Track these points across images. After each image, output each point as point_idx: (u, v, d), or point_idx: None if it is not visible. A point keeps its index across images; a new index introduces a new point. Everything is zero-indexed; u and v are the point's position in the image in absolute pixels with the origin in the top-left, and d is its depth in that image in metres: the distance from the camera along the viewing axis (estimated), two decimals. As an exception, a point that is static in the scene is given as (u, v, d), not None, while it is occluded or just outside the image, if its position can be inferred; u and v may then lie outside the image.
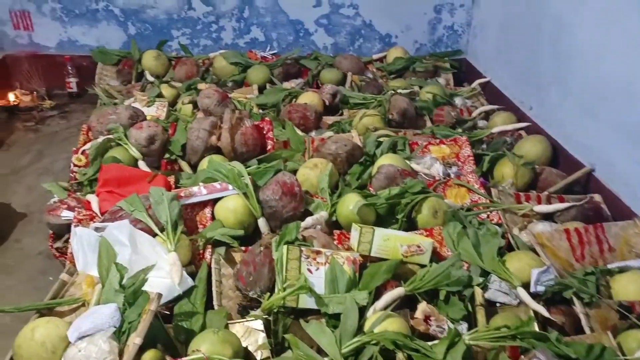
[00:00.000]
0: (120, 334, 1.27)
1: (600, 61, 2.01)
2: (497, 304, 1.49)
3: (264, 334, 1.35)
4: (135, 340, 1.23)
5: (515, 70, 2.71)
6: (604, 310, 1.42)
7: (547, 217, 1.87)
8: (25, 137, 2.71)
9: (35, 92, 3.01)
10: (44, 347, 1.22)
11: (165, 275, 1.45)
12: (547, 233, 1.67)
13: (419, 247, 1.57)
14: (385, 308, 1.40)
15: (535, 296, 1.49)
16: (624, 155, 1.88)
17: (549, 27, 2.36)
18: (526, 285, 1.50)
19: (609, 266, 1.57)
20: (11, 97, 2.94)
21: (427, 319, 1.37)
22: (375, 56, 3.27)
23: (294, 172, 1.97)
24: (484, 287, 1.50)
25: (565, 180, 2.04)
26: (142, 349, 1.23)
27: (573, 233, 1.66)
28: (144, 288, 1.34)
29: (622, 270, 1.54)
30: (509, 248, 1.72)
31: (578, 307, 1.42)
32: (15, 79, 3.04)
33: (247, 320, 1.40)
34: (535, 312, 1.42)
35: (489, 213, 1.85)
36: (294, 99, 2.65)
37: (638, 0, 1.79)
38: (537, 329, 1.36)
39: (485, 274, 1.54)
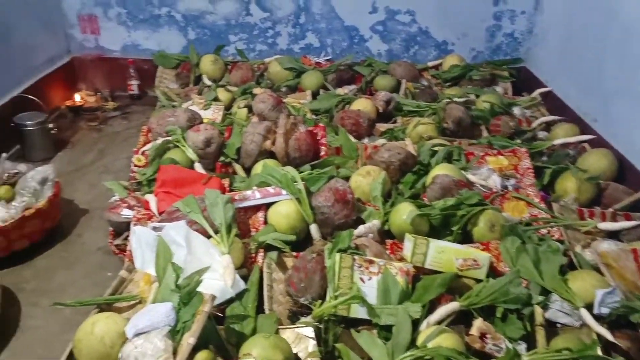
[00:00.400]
0: (174, 333, 1.28)
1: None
2: (558, 325, 1.42)
3: (314, 342, 1.35)
4: (189, 340, 1.24)
5: (579, 79, 2.60)
6: (675, 338, 1.33)
7: (612, 235, 1.78)
8: (89, 137, 2.82)
9: (99, 94, 3.14)
10: (102, 342, 1.25)
11: (218, 277, 1.47)
12: (612, 252, 1.59)
13: (475, 261, 1.52)
14: (439, 322, 1.36)
15: (598, 318, 1.41)
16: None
17: (617, 36, 2.26)
18: (589, 307, 1.43)
19: (681, 291, 1.48)
20: (77, 97, 3.07)
21: (483, 336, 1.33)
22: (430, 63, 3.21)
23: (347, 179, 1.95)
24: (544, 307, 1.43)
25: (632, 197, 1.93)
26: (194, 349, 1.25)
27: (641, 253, 1.57)
28: (198, 289, 1.37)
29: (695, 295, 1.45)
30: (571, 266, 1.64)
31: (646, 333, 1.34)
32: (81, 80, 3.18)
33: (297, 327, 1.40)
34: (599, 336, 1.35)
35: (549, 229, 1.78)
36: (347, 105, 2.64)
37: None
38: (600, 353, 1.30)
39: (545, 292, 1.48)
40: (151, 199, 1.78)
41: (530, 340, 1.36)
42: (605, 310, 1.40)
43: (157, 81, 3.06)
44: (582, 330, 1.39)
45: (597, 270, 1.56)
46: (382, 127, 2.53)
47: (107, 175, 2.41)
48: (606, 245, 1.66)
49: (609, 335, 1.33)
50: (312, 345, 1.35)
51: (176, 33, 3.18)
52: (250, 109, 2.52)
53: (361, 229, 1.66)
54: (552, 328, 1.42)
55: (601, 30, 2.38)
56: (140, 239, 1.54)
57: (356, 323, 1.41)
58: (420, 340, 1.29)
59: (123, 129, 2.92)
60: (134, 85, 3.18)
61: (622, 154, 2.17)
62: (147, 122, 2.29)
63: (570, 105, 2.64)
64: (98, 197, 2.23)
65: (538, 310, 1.40)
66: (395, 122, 2.63)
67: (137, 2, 3.09)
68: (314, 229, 1.73)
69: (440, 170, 1.93)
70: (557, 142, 2.32)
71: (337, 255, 1.43)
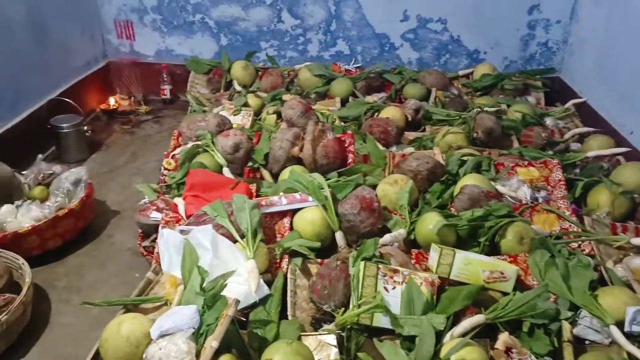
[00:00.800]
0: (198, 336, 1.30)
1: None
2: (587, 342, 1.39)
3: (336, 350, 1.34)
4: (212, 343, 1.25)
5: (615, 91, 2.54)
6: None
7: (646, 251, 1.73)
8: (122, 139, 2.89)
9: (133, 97, 3.22)
10: (128, 341, 1.28)
11: (243, 281, 1.48)
12: (646, 269, 1.54)
13: (502, 273, 1.49)
14: (463, 335, 1.34)
15: (629, 336, 1.37)
16: None
17: (656, 47, 2.20)
18: (620, 324, 1.38)
19: None
20: (111, 101, 3.16)
21: (508, 350, 1.30)
22: (461, 72, 3.19)
23: (374, 187, 1.95)
24: (573, 323, 1.40)
25: (669, 213, 1.87)
26: (217, 353, 1.26)
27: (676, 271, 1.52)
28: (223, 293, 1.38)
29: None
30: (602, 282, 1.60)
31: (679, 354, 1.29)
32: (116, 84, 3.27)
33: (320, 334, 1.40)
34: (630, 354, 1.31)
35: (580, 243, 1.74)
36: (376, 113, 2.64)
37: None
38: (631, 373, 1.26)
39: (574, 308, 1.44)
40: (179, 202, 1.81)
41: (557, 357, 1.33)
42: (636, 329, 1.36)
43: (189, 86, 3.12)
44: (612, 348, 1.35)
45: (629, 286, 1.52)
46: (410, 135, 2.52)
47: (139, 177, 2.46)
48: (639, 262, 1.61)
49: (638, 354, 1.29)
50: (334, 353, 1.34)
51: (209, 39, 3.23)
52: (279, 115, 2.54)
53: (387, 237, 1.66)
54: (580, 345, 1.38)
55: (638, 42, 2.32)
56: (168, 242, 1.56)
57: (379, 332, 1.40)
58: (443, 353, 1.27)
59: (155, 132, 2.98)
60: (166, 89, 3.25)
61: (659, 168, 2.10)
62: (178, 126, 2.33)
63: (605, 117, 2.58)
64: (129, 199, 2.28)
65: (566, 325, 1.37)
66: (424, 130, 2.61)
67: (172, 8, 3.16)
68: (339, 236, 1.73)
69: (469, 181, 1.91)
70: (591, 154, 2.26)
71: (362, 264, 1.43)
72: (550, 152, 2.30)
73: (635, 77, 2.34)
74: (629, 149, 2.27)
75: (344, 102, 2.85)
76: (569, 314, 1.41)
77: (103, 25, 3.23)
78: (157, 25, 3.22)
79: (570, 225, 1.81)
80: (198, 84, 3.16)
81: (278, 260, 1.68)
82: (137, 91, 3.24)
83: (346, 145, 2.15)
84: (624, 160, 2.24)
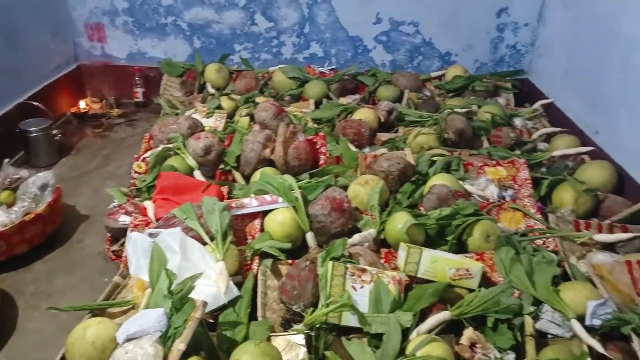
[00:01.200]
0: (165, 339, 1.30)
1: (674, 85, 1.90)
2: (549, 336, 1.42)
3: (304, 349, 1.35)
4: (179, 346, 1.25)
5: (581, 92, 2.60)
6: (667, 351, 1.32)
7: (608, 247, 1.78)
8: (94, 143, 2.86)
9: (104, 101, 3.19)
10: (94, 346, 1.27)
11: (212, 283, 1.48)
12: (607, 264, 1.59)
13: (467, 271, 1.52)
14: (429, 331, 1.36)
15: (590, 330, 1.41)
16: (697, 186, 1.77)
17: (620, 49, 2.26)
18: (581, 318, 1.42)
19: (676, 304, 1.47)
20: (82, 104, 3.12)
21: (472, 345, 1.33)
22: (433, 74, 3.23)
23: (345, 187, 1.97)
24: (535, 317, 1.43)
25: (630, 209, 1.92)
26: (185, 355, 1.26)
27: (635, 265, 1.57)
28: (191, 295, 1.38)
29: (689, 308, 1.44)
30: (565, 278, 1.63)
31: (636, 345, 1.33)
32: (87, 87, 3.24)
33: (289, 334, 1.41)
34: (590, 347, 1.35)
35: (545, 240, 1.78)
36: (350, 115, 2.66)
37: None
38: (591, 365, 1.29)
39: (537, 303, 1.47)
40: (149, 205, 1.80)
41: (520, 351, 1.36)
42: (596, 322, 1.40)
43: (162, 89, 3.11)
44: (573, 342, 1.39)
45: (591, 281, 1.56)
46: (383, 136, 2.55)
47: (111, 182, 2.44)
48: (601, 257, 1.65)
49: (599, 347, 1.32)
50: (302, 352, 1.35)
51: (182, 42, 3.22)
52: (252, 117, 2.54)
53: (356, 237, 1.67)
54: (543, 339, 1.41)
55: (604, 44, 2.38)
56: (136, 245, 1.56)
57: (348, 331, 1.42)
58: (409, 349, 1.29)
59: (128, 135, 2.96)
60: (139, 92, 3.23)
61: (622, 166, 2.17)
62: (150, 130, 2.32)
63: (571, 117, 2.64)
64: (100, 203, 2.25)
65: (528, 320, 1.40)
66: (397, 131, 2.64)
67: (143, 11, 3.14)
68: (310, 237, 1.75)
69: (438, 180, 1.94)
70: (557, 153, 2.32)
71: (330, 264, 1.44)
72: (518, 152, 2.35)
73: (600, 79, 2.40)
74: (593, 148, 2.33)
75: (318, 104, 2.86)
76: (532, 308, 1.44)
77: (74, 28, 3.20)
78: (129, 27, 3.20)
79: (535, 223, 1.86)
80: (171, 87, 3.14)
81: (249, 262, 1.68)
82: (109, 94, 3.21)
83: (318, 147, 2.16)
84: (589, 159, 2.30)
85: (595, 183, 2.06)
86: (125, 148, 2.81)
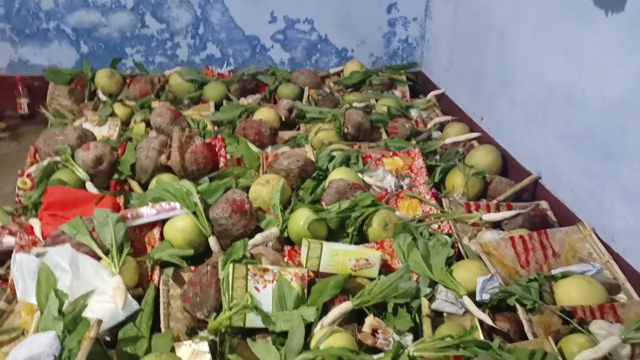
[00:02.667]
0: (59, 363, 1.23)
1: (541, 71, 2.07)
2: (445, 314, 1.50)
3: (209, 356, 1.33)
4: (74, 368, 1.19)
5: (466, 81, 2.77)
6: (547, 315, 1.45)
7: (497, 225, 1.91)
8: (-26, 160, 2.63)
9: (-16, 114, 2.94)
10: (-24, 380, 1.17)
11: (109, 299, 1.42)
12: (493, 242, 1.70)
13: (367, 260, 1.57)
14: (333, 323, 1.39)
15: (481, 304, 1.51)
16: (567, 163, 1.94)
17: (494, 39, 2.43)
18: (473, 294, 1.52)
19: (553, 272, 1.61)
20: (-42, 119, 2.86)
21: (374, 332, 1.37)
22: (332, 70, 3.29)
23: (246, 188, 1.96)
24: (432, 298, 1.51)
25: (513, 189, 2.08)
26: (82, 377, 1.20)
27: (518, 240, 1.70)
28: (86, 314, 1.32)
29: (564, 275, 1.58)
30: (460, 257, 1.73)
31: (521, 314, 1.44)
32: (-37, 101, 2.97)
33: (193, 342, 1.38)
34: (481, 321, 1.44)
35: (440, 224, 1.88)
36: (250, 115, 2.65)
37: (573, 13, 1.85)
38: (481, 337, 1.39)
39: (433, 284, 1.56)
40: (35, 223, 1.69)
41: (418, 331, 1.43)
42: (486, 297, 1.50)
43: (49, 98, 2.90)
44: (466, 317, 1.48)
45: (481, 259, 1.66)
46: (285, 135, 2.56)
47: (-6, 201, 2.25)
48: (488, 235, 1.77)
49: (487, 320, 1.42)
50: (207, 359, 1.33)
51: (67, 47, 3.04)
52: (148, 123, 2.46)
53: (258, 237, 1.67)
54: (440, 317, 1.49)
55: (481, 36, 2.55)
56: (22, 267, 1.45)
57: (254, 332, 1.42)
58: (313, 343, 1.32)
59: (13, 151, 2.75)
60: (23, 103, 2.99)
61: (505, 149, 2.33)
62: (35, 142, 2.17)
63: (460, 106, 2.80)
64: (-17, 226, 2.08)
65: (424, 302, 1.47)
66: (298, 129, 2.67)
67: (22, 16, 2.93)
68: (212, 241, 1.72)
69: (337, 175, 1.98)
70: (448, 141, 2.45)
71: (230, 266, 1.43)
72: (414, 142, 2.46)
73: (480, 69, 2.57)
74: (480, 134, 2.49)
75: (218, 106, 2.82)
76: (429, 290, 1.52)
77: (-57, 37, 2.92)
78: (7, 35, 2.96)
79: (431, 209, 1.95)
80: (59, 96, 2.95)
81: (149, 273, 1.63)
82: (-12, 107, 2.97)
83: (217, 150, 2.13)
84: (477, 144, 2.45)
85: (482, 166, 2.20)
86: (11, 165, 2.60)
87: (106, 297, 1.42)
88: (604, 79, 1.73)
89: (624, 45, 1.63)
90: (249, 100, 2.93)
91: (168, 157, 1.98)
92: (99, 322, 1.26)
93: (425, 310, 1.45)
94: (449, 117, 2.76)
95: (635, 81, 1.59)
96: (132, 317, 1.43)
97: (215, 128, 2.53)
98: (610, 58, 1.69)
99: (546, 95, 2.04)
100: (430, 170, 2.20)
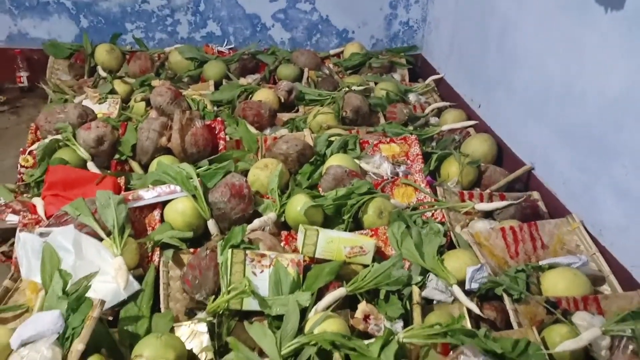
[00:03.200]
0: (64, 340, 1.28)
1: (542, 62, 2.08)
2: (434, 302, 1.56)
3: (207, 336, 1.39)
4: (78, 346, 1.24)
5: (466, 67, 2.78)
6: (532, 306, 1.51)
7: (489, 214, 1.95)
8: (-27, 134, 2.65)
9: (-17, 87, 2.94)
10: (-16, 356, 1.23)
11: (111, 279, 1.47)
12: (484, 232, 1.75)
13: (361, 248, 1.62)
14: (327, 308, 1.45)
15: (470, 293, 1.56)
16: (561, 155, 1.97)
17: (496, 26, 2.43)
18: (462, 283, 1.57)
19: (540, 263, 1.66)
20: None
21: (366, 318, 1.43)
22: (332, 51, 3.29)
23: (245, 172, 1.99)
24: (422, 286, 1.56)
25: (506, 179, 2.12)
26: (86, 354, 1.25)
27: (508, 231, 1.74)
28: (89, 294, 1.36)
29: (552, 266, 1.63)
30: (452, 246, 1.78)
31: (508, 304, 1.50)
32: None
33: (192, 323, 1.43)
34: (469, 309, 1.50)
35: (434, 212, 1.92)
36: (250, 96, 2.66)
37: (574, 9, 1.86)
38: (469, 325, 1.44)
39: (425, 272, 1.61)
40: (38, 202, 1.73)
41: (409, 318, 1.49)
42: (475, 286, 1.55)
43: (48, 72, 2.91)
44: (455, 305, 1.54)
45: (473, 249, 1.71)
46: (284, 116, 2.58)
47: (-5, 176, 2.28)
48: (480, 225, 1.82)
49: (475, 309, 1.48)
50: (205, 339, 1.39)
51: (67, 21, 3.02)
52: (148, 102, 2.47)
53: (256, 223, 1.72)
54: (430, 305, 1.55)
55: (484, 21, 2.54)
56: (26, 246, 1.50)
57: (251, 315, 1.47)
58: (307, 327, 1.37)
59: (13, 124, 2.76)
60: (23, 77, 3.00)
61: (500, 138, 2.36)
62: (36, 119, 2.18)
63: (458, 92, 2.82)
64: (-16, 201, 2.11)
65: (415, 289, 1.53)
66: (297, 111, 2.68)
67: (21, -12, 2.91)
68: (211, 224, 1.76)
69: (334, 161, 2.02)
70: (445, 127, 2.48)
71: (229, 251, 1.48)
72: (411, 128, 2.48)
73: (480, 54, 2.58)
74: (476, 122, 2.52)
75: (217, 85, 2.83)
76: (420, 278, 1.57)
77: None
78: (6, 7, 2.94)
79: (425, 196, 1.99)
80: (59, 70, 2.95)
81: (149, 254, 1.67)
82: (-12, 80, 2.96)
83: (217, 132, 2.16)
84: (474, 132, 2.48)
85: (477, 155, 2.23)
86: (10, 139, 2.62)
87: (108, 277, 1.47)
88: (603, 76, 1.74)
89: (624, 43, 1.65)
90: (249, 80, 2.93)
91: (168, 139, 2.00)
92: (102, 302, 1.31)
93: (415, 298, 1.50)
94: (446, 103, 2.78)
95: (632, 79, 1.62)
96: (133, 297, 1.49)
97: (215, 108, 2.55)
98: (610, 55, 1.71)
99: (545, 87, 2.06)
100: (427, 157, 2.23)
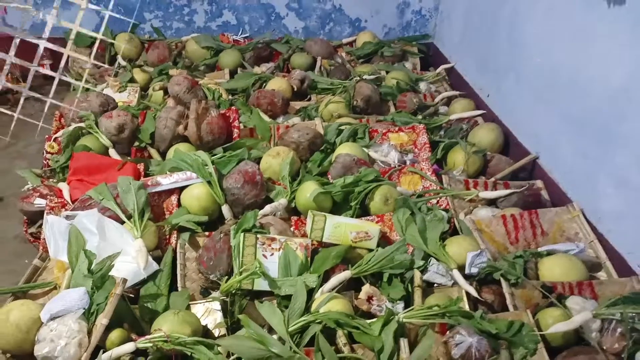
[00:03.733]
0: (89, 315, 1.40)
1: (550, 52, 2.12)
2: (435, 285, 1.64)
3: (221, 314, 1.49)
4: (102, 320, 1.36)
5: (476, 56, 2.81)
6: (528, 290, 1.58)
7: (492, 202, 2.02)
8: (0, 120, 2.76)
9: (9, 75, 3.05)
10: (18, 328, 1.34)
11: (132, 260, 1.57)
12: (486, 219, 1.82)
13: (367, 233, 1.70)
14: (332, 290, 1.54)
15: (469, 277, 1.64)
16: (566, 145, 2.02)
17: (507, 15, 2.46)
18: (463, 268, 1.65)
19: (539, 249, 1.73)
20: (-16, 79, 2.98)
21: (369, 299, 1.52)
22: (345, 40, 3.34)
23: (258, 159, 2.08)
24: (424, 270, 1.64)
25: (511, 167, 2.17)
26: (109, 329, 1.37)
27: (509, 219, 1.81)
28: (112, 273, 1.47)
29: (550, 253, 1.70)
30: (456, 232, 1.86)
31: (505, 288, 1.57)
32: (-11, 61, 3.08)
33: (206, 301, 1.54)
34: (467, 292, 1.58)
35: (438, 199, 1.99)
36: (264, 84, 2.73)
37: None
38: (466, 307, 1.52)
39: (427, 257, 1.69)
40: (64, 187, 1.83)
41: (410, 300, 1.57)
42: (474, 270, 1.63)
43: (70, 61, 3.02)
44: (454, 289, 1.62)
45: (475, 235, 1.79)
46: (297, 105, 2.65)
47: (21, 161, 2.41)
48: (483, 212, 1.89)
49: (473, 292, 1.56)
50: (219, 317, 1.49)
51: (88, 10, 3.10)
52: (166, 91, 2.56)
53: (267, 208, 1.80)
54: (430, 288, 1.63)
55: (494, 10, 2.57)
56: (53, 228, 1.61)
57: (262, 295, 1.57)
58: (314, 307, 1.46)
59: (37, 111, 2.87)
60: (46, 64, 3.11)
61: (507, 127, 2.41)
62: (60, 108, 2.29)
63: (468, 81, 2.86)
64: (12, 184, 2.23)
65: (417, 273, 1.61)
66: (310, 99, 2.76)
67: (44, -21, 3.01)
68: (225, 209, 1.86)
69: (344, 149, 2.09)
70: (453, 117, 2.53)
71: (241, 235, 1.57)
72: (419, 117, 2.54)
73: (491, 44, 2.61)
74: (484, 112, 2.57)
75: (232, 74, 2.91)
76: (422, 262, 1.65)
77: (-33, -3, 3.01)
78: (30, -3, 3.05)
79: (430, 184, 2.06)
80: (80, 59, 3.05)
81: (167, 237, 1.78)
82: (13, 68, 3.07)
83: (231, 121, 2.24)
84: (482, 121, 2.53)
85: (484, 144, 2.29)
86: (34, 125, 2.73)
87: (129, 258, 1.58)
88: (609, 66, 1.78)
89: (631, 34, 1.68)
90: (263, 68, 3.00)
91: (185, 128, 2.09)
92: (124, 280, 1.42)
93: (417, 281, 1.59)
94: (456, 92, 2.82)
95: (638, 70, 1.65)
96: (152, 277, 1.60)
97: (230, 97, 2.63)
98: (616, 45, 1.74)
99: (552, 76, 2.09)
100: (434, 146, 2.29)
